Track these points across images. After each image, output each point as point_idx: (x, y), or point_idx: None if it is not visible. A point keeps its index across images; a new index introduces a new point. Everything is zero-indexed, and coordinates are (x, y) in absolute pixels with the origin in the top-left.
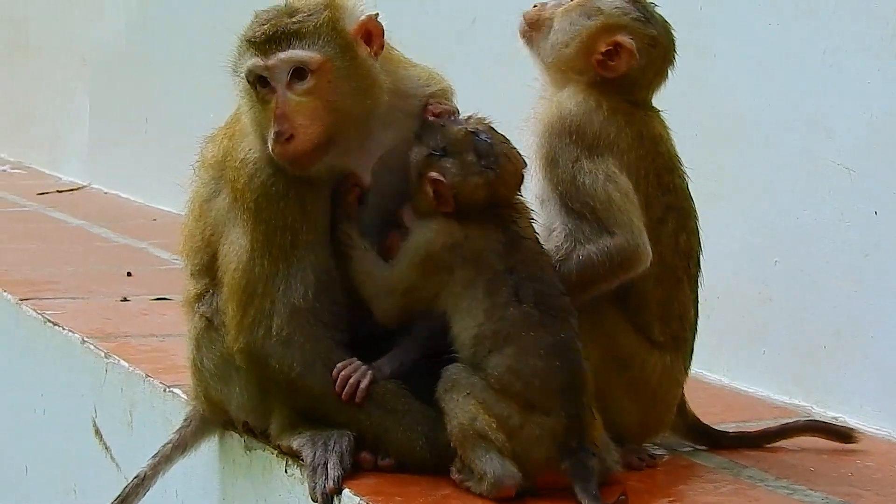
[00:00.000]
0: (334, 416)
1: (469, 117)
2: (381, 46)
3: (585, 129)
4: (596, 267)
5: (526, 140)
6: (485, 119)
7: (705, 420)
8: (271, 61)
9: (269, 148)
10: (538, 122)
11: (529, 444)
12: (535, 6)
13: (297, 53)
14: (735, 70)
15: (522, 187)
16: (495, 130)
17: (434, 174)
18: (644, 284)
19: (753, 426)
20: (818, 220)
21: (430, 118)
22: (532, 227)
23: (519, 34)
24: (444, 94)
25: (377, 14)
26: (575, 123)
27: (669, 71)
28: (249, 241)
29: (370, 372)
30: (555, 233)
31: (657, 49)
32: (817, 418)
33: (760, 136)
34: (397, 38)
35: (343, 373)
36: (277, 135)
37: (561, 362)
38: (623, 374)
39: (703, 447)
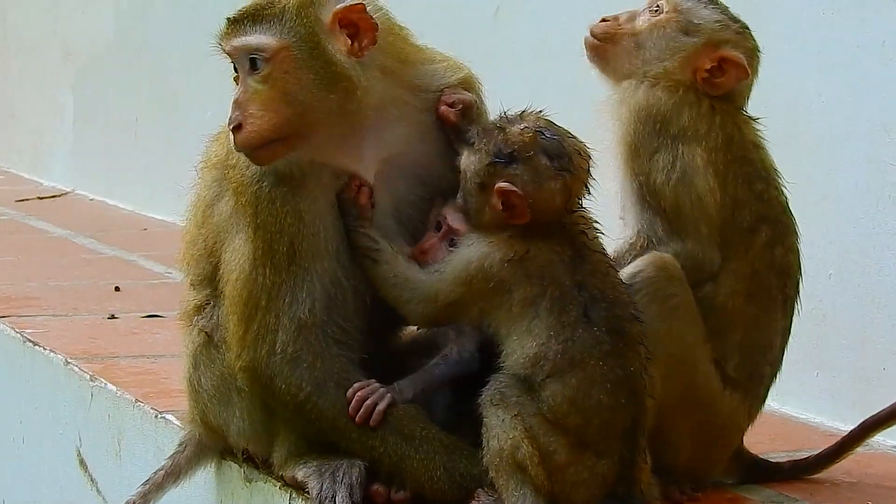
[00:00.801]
0: (346, 443)
1: (522, 113)
2: (373, 41)
3: (672, 118)
4: None
5: (599, 126)
6: (539, 112)
7: (753, 450)
8: (228, 46)
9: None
10: (623, 105)
11: (572, 486)
12: (603, 20)
13: (250, 39)
14: (786, 65)
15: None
16: (555, 124)
17: (504, 184)
18: (733, 300)
19: (805, 455)
20: (877, 228)
21: (443, 109)
22: (599, 239)
23: (587, 49)
24: (466, 84)
25: (364, 5)
26: (662, 112)
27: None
28: (251, 248)
29: (389, 395)
30: (628, 227)
31: (757, 56)
32: (875, 446)
33: (814, 137)
34: (418, 30)
35: (358, 394)
36: (228, 122)
37: (627, 400)
38: (692, 416)
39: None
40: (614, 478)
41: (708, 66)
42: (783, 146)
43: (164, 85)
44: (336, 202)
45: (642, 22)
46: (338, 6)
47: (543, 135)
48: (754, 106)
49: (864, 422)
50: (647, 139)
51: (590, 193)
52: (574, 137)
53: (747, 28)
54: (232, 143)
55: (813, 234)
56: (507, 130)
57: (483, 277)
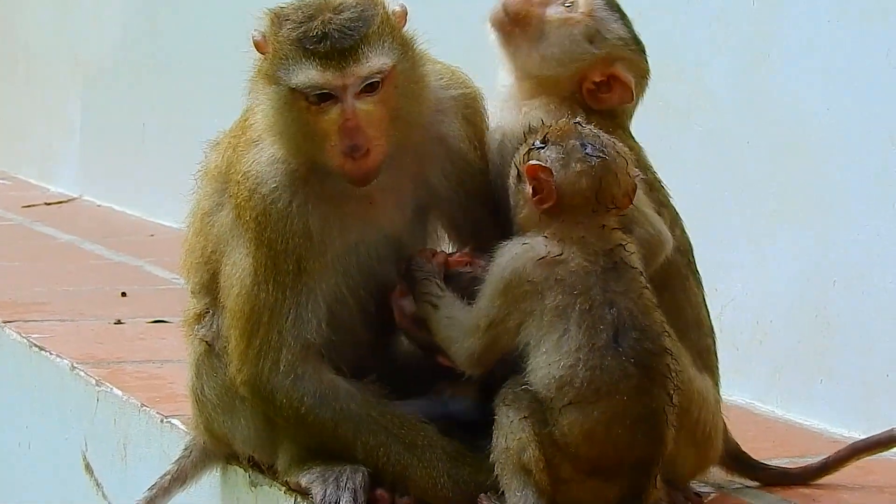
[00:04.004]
0: (348, 452)
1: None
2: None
3: None
4: None
5: (490, 155)
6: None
7: (755, 457)
8: (347, 78)
9: (336, 165)
10: (502, 134)
11: (574, 502)
12: None
13: (374, 65)
14: (792, 73)
15: (635, 197)
16: (602, 134)
17: (533, 161)
18: (655, 289)
19: (809, 462)
20: (881, 235)
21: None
22: (639, 257)
23: (495, 24)
24: (470, 100)
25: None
26: None
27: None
28: (252, 263)
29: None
30: None
31: (645, 81)
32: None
33: (819, 145)
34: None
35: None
36: (353, 149)
37: (645, 436)
38: (684, 421)
39: (752, 483)
40: (619, 500)
41: (597, 80)
42: (788, 155)
43: (171, 91)
44: (344, 216)
45: (554, 12)
46: (396, 7)
47: (581, 126)
48: (758, 116)
49: (851, 444)
50: None
51: (630, 200)
52: (617, 142)
53: (644, 51)
54: (348, 170)
55: (818, 242)
56: (552, 124)
57: (517, 281)
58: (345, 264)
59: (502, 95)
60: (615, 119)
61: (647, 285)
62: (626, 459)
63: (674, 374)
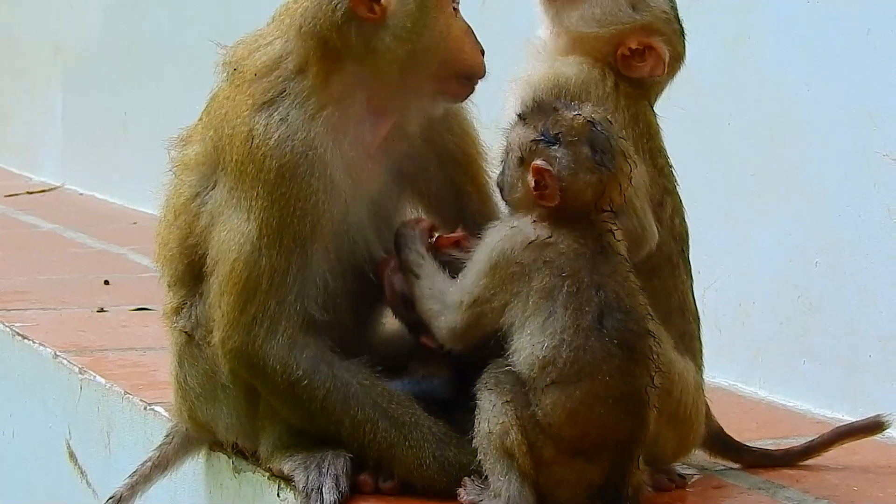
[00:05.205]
0: (335, 427)
1: (582, 105)
2: None
3: (578, 98)
4: None
5: (508, 105)
6: (599, 110)
7: (739, 438)
8: None
9: (477, 63)
10: (528, 84)
11: (556, 484)
12: None
13: None
14: (772, 54)
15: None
16: (612, 122)
17: (541, 163)
18: (642, 273)
19: (793, 443)
20: (864, 217)
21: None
22: (623, 243)
23: None
24: None
25: None
26: (568, 90)
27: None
28: (257, 226)
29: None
30: None
31: (678, 64)
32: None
33: (800, 126)
34: None
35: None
36: (482, 50)
37: (627, 415)
38: (667, 404)
39: (736, 465)
40: (602, 481)
41: (633, 46)
42: (769, 135)
43: (153, 80)
44: (344, 178)
45: None
46: None
47: (594, 126)
48: (741, 95)
49: (835, 428)
50: None
51: (624, 199)
52: (624, 139)
53: (684, 35)
54: (481, 67)
55: (799, 222)
56: (561, 112)
57: (505, 262)
58: (340, 232)
59: (535, 48)
60: (643, 90)
61: (632, 270)
62: (609, 439)
63: (656, 356)
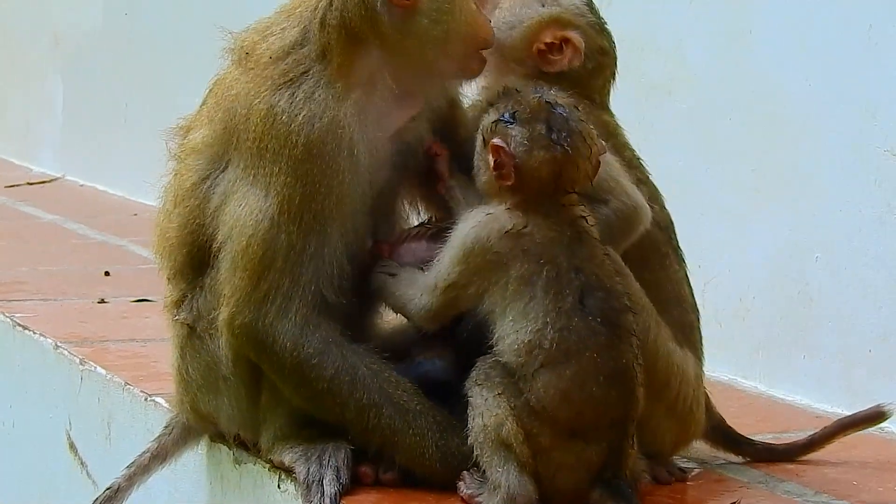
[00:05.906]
0: (339, 410)
1: (549, 89)
2: None
3: None
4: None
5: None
6: (566, 96)
7: (740, 432)
8: None
9: (493, 34)
10: (484, 103)
11: (557, 469)
12: None
13: None
14: (772, 49)
15: (606, 169)
16: (577, 109)
17: (497, 140)
18: (631, 266)
19: (792, 437)
20: (863, 211)
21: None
22: (596, 228)
23: None
24: None
25: None
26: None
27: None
28: (277, 202)
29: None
30: None
31: (607, 58)
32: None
33: (799, 120)
34: None
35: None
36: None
37: (618, 392)
38: (665, 394)
39: (736, 459)
40: (601, 464)
41: (548, 40)
42: (769, 131)
43: (153, 70)
44: (368, 161)
45: None
46: None
47: (553, 107)
48: (741, 90)
49: (836, 420)
50: None
51: (590, 182)
52: (587, 124)
53: (604, 30)
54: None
55: (799, 217)
56: (523, 95)
57: (481, 250)
58: (359, 214)
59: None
60: (582, 89)
61: (610, 253)
62: (603, 418)
63: (636, 331)
